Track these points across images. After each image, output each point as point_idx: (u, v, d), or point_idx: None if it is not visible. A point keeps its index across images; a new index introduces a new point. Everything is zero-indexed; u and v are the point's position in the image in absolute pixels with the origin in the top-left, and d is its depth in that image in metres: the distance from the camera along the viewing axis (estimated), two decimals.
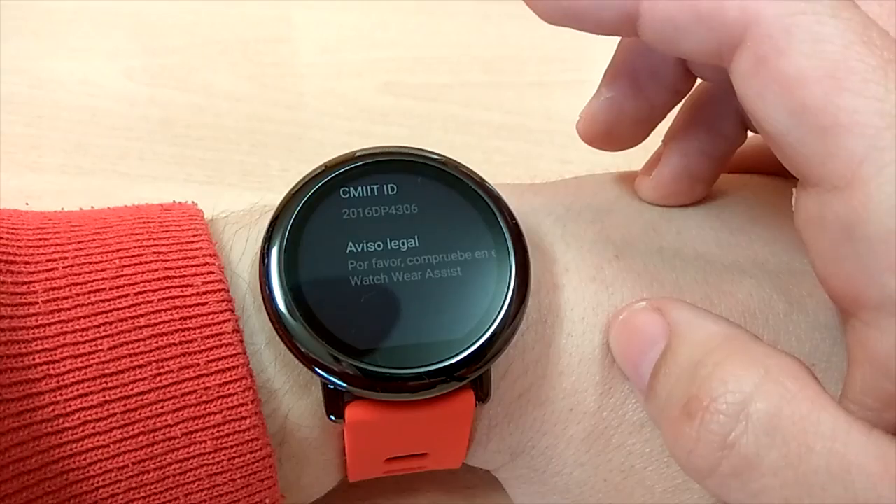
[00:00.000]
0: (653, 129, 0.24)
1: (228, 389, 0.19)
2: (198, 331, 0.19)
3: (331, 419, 0.20)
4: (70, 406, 0.18)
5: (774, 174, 0.26)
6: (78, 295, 0.19)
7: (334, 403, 0.20)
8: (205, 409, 0.19)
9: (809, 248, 0.18)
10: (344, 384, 0.19)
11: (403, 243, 0.20)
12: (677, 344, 0.19)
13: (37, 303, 0.18)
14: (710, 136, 0.24)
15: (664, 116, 0.24)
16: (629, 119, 0.23)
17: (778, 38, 0.17)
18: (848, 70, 0.16)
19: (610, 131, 0.24)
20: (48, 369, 0.18)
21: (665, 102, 0.23)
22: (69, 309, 0.18)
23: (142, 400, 0.18)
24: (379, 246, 0.20)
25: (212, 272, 0.20)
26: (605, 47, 0.23)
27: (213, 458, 0.19)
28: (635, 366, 0.20)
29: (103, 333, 0.18)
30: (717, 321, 0.19)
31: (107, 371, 0.18)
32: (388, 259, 0.20)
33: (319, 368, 0.19)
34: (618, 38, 0.23)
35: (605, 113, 0.23)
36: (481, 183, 0.22)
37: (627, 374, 0.20)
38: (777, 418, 0.16)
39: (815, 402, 0.16)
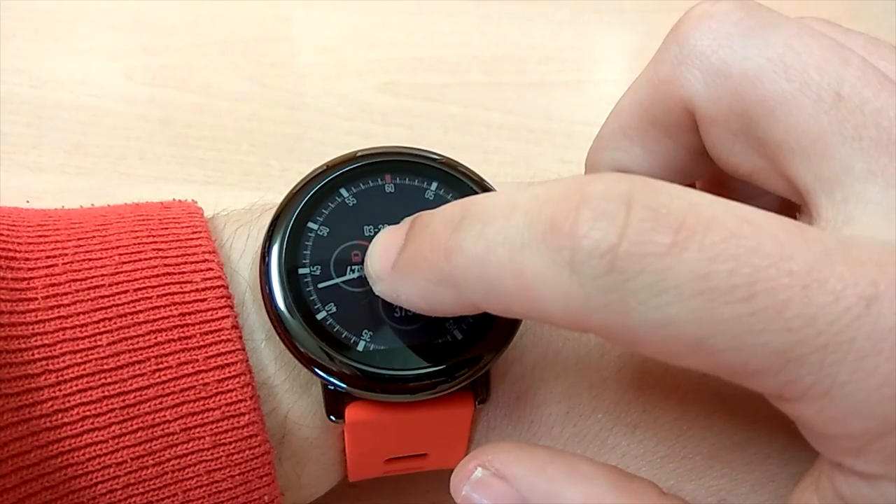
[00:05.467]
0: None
1: (227, 385, 0.19)
2: (196, 327, 0.19)
3: (331, 419, 0.20)
4: (69, 401, 0.18)
5: None
6: (77, 291, 0.19)
7: (334, 404, 0.20)
8: (203, 404, 0.19)
9: None
10: (344, 385, 0.19)
11: None
12: None
13: (36, 298, 0.18)
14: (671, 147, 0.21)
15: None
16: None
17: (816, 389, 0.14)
18: None
19: None
20: (47, 364, 0.18)
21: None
22: (68, 305, 0.18)
23: (140, 395, 0.18)
24: None
25: (211, 269, 0.20)
26: (606, 47, 0.23)
27: (212, 454, 0.19)
28: None
29: (102, 329, 0.18)
30: None
31: (106, 367, 0.18)
32: None
33: (319, 369, 0.19)
34: (616, 39, 0.21)
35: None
36: (481, 182, 0.22)
37: None
38: None
39: None
